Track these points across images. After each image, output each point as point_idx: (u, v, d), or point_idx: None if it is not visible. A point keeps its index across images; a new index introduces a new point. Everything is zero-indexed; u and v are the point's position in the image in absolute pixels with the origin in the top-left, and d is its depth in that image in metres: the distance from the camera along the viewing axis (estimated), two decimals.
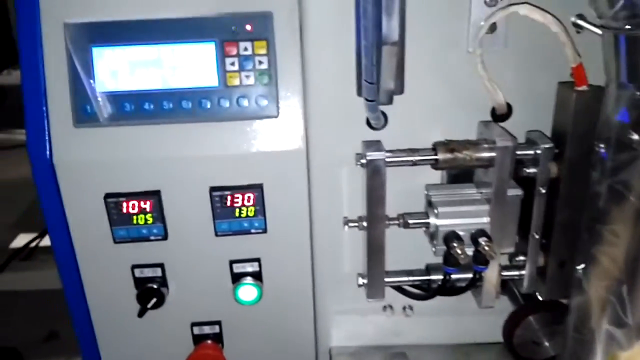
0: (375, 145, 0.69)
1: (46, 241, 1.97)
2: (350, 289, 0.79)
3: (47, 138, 0.70)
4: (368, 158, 0.67)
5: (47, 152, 0.70)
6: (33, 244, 2.10)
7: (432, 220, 0.71)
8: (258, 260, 0.77)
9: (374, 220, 0.71)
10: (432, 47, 0.70)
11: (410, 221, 0.72)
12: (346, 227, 0.74)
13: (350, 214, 0.77)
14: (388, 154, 0.68)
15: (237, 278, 0.77)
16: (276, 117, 0.71)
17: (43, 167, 0.70)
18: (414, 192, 0.75)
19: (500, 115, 0.73)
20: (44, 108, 0.70)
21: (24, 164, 0.73)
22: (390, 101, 0.68)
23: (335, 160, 0.75)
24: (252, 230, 0.74)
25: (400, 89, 0.69)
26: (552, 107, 0.71)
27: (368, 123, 0.72)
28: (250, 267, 0.77)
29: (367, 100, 0.64)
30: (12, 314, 1.84)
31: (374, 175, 0.68)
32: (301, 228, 0.76)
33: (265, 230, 0.75)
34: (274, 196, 0.73)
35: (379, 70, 0.62)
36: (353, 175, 0.74)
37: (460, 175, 0.75)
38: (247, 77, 0.70)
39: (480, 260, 0.70)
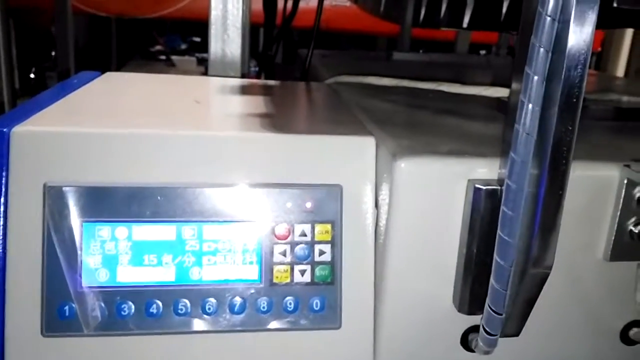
0: None
1: None
2: None
3: (0, 352, 0.47)
4: None
5: None
6: None
7: None
8: None
9: None
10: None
11: None
12: None
13: None
14: None
15: None
16: (337, 328, 0.51)
17: None
18: None
19: None
20: None
21: None
22: (517, 333, 0.48)
23: None
24: None
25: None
26: None
27: (465, 344, 0.52)
28: None
29: (486, 332, 0.44)
30: None
31: None
32: None
33: None
34: None
35: (516, 299, 0.43)
36: None
37: None
38: (302, 272, 0.50)
39: None
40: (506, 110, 0.46)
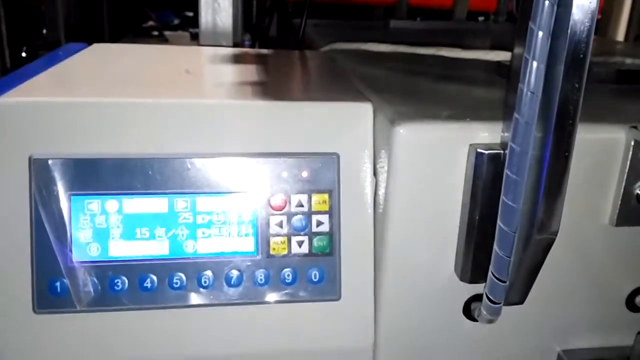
0: None
1: None
2: None
3: None
4: None
5: None
6: None
7: None
8: None
9: None
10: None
11: None
12: None
13: None
14: None
15: None
16: (337, 300, 0.49)
17: None
18: None
19: None
20: None
21: None
22: (521, 301, 0.47)
23: None
24: None
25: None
26: None
27: (467, 313, 0.51)
28: None
29: (489, 300, 0.43)
30: None
31: None
32: None
33: None
34: None
35: (520, 266, 0.42)
36: None
37: None
38: (300, 243, 0.49)
39: None
40: (508, 74, 0.44)
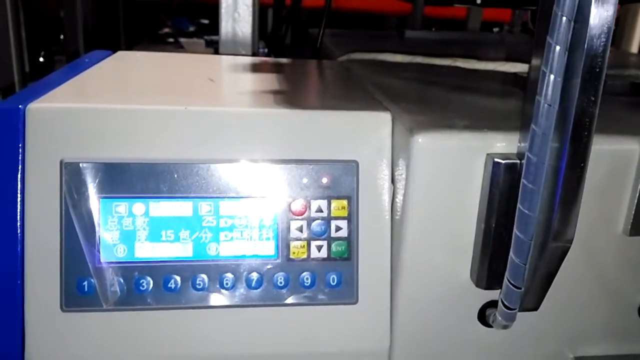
0: None
1: None
2: None
3: (20, 327, 0.47)
4: None
5: (19, 348, 0.47)
6: None
7: None
8: None
9: None
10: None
11: None
12: None
13: None
14: None
15: None
16: (354, 304, 0.51)
17: None
18: None
19: None
20: (19, 282, 0.47)
21: None
22: (536, 307, 0.48)
23: None
24: None
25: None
26: None
27: (482, 319, 0.52)
28: None
29: (504, 306, 0.44)
30: None
31: None
32: None
33: None
34: None
35: (535, 273, 0.43)
36: None
37: None
38: (319, 248, 0.50)
39: None
40: (524, 86, 0.45)
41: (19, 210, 0.47)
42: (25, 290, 0.47)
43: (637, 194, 0.48)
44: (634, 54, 1.22)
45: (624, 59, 0.99)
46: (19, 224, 0.47)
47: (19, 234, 0.47)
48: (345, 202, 0.50)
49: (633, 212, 0.49)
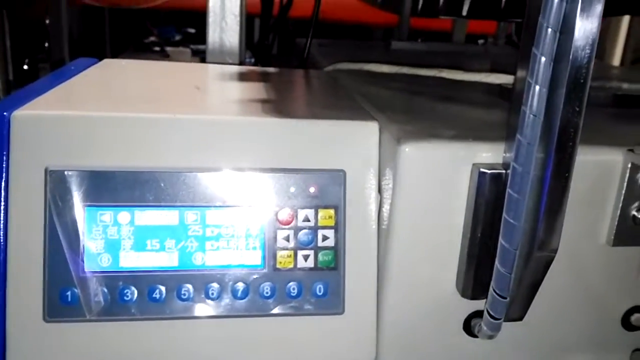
0: None
1: None
2: None
3: (1, 337, 0.47)
4: None
5: (1, 359, 0.47)
6: None
7: None
8: None
9: None
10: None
11: None
12: None
13: None
14: None
15: None
16: (340, 314, 0.51)
17: None
18: None
19: None
20: (0, 291, 0.46)
21: None
22: (521, 317, 0.48)
23: None
24: None
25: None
26: None
27: (467, 329, 0.52)
28: None
29: (490, 316, 0.44)
30: None
31: None
32: None
33: None
34: None
35: (520, 283, 0.43)
36: None
37: None
38: (306, 257, 0.50)
39: None
40: (509, 97, 0.45)
41: (2, 218, 0.46)
42: (7, 299, 0.46)
43: (620, 205, 0.49)
44: (616, 67, 1.24)
45: (606, 71, 1.01)
46: (1, 232, 0.46)
47: (2, 242, 0.46)
48: (332, 212, 0.50)
49: (616, 223, 0.49)
